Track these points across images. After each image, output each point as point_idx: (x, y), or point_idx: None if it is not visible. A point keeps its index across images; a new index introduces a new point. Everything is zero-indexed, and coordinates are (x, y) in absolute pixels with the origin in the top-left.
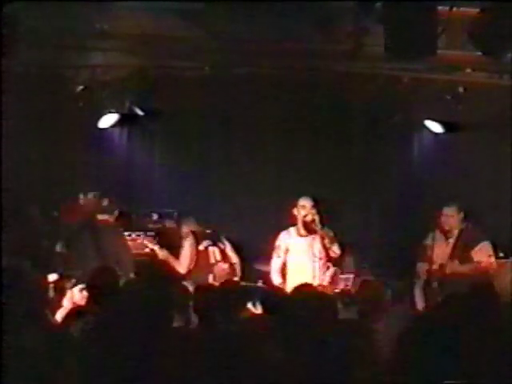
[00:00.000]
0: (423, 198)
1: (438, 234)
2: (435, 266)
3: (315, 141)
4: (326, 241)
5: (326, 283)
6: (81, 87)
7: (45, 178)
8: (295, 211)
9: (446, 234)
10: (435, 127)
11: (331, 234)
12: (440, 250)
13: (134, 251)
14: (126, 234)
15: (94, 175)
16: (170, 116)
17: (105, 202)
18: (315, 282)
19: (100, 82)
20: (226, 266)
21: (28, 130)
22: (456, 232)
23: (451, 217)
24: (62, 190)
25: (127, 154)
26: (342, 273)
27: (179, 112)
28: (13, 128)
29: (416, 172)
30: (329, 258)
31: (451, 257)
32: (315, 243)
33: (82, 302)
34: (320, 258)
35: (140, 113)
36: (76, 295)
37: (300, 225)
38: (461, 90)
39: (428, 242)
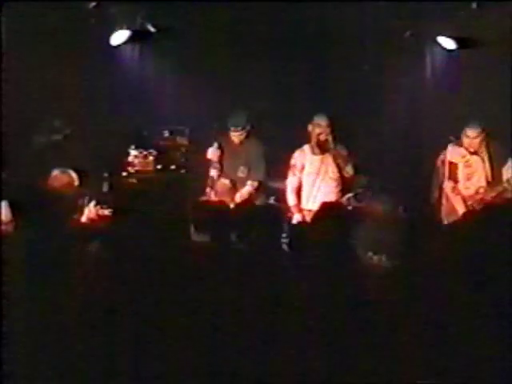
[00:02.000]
0: (437, 113)
1: (468, 155)
2: (472, 188)
3: (325, 56)
4: (340, 161)
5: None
6: (92, 4)
7: (56, 96)
8: (310, 128)
9: (479, 155)
10: (448, 43)
11: (345, 153)
12: (475, 172)
13: (143, 169)
14: (137, 151)
15: (106, 92)
16: (182, 32)
17: (57, 123)
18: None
19: None
20: (227, 181)
21: (39, 47)
22: (485, 153)
23: (475, 138)
24: (74, 107)
25: (139, 70)
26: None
27: (191, 28)
28: (23, 45)
29: (429, 90)
30: (342, 179)
31: (492, 178)
32: (328, 162)
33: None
34: (333, 178)
35: (152, 29)
36: (92, 211)
37: (314, 143)
38: (474, 5)
39: (451, 158)
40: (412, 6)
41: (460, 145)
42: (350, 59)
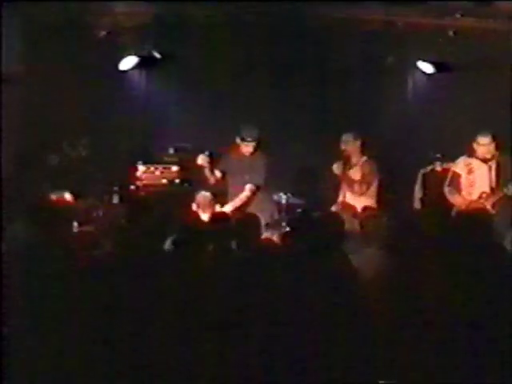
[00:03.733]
0: (418, 133)
1: (476, 162)
2: (475, 193)
3: (311, 81)
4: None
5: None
6: (103, 32)
7: (69, 117)
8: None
9: (487, 163)
10: (427, 68)
11: (368, 169)
12: (481, 179)
13: (150, 182)
14: (145, 166)
15: (115, 116)
16: (186, 58)
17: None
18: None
19: (122, 28)
20: (207, 193)
21: (54, 73)
22: (494, 162)
23: (489, 145)
24: (86, 127)
25: (145, 94)
26: None
27: (196, 54)
28: (39, 71)
29: (410, 110)
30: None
31: (497, 186)
32: (347, 178)
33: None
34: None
35: (158, 56)
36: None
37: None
38: (451, 33)
39: (456, 169)
40: (395, 32)
41: (469, 155)
42: (336, 82)
